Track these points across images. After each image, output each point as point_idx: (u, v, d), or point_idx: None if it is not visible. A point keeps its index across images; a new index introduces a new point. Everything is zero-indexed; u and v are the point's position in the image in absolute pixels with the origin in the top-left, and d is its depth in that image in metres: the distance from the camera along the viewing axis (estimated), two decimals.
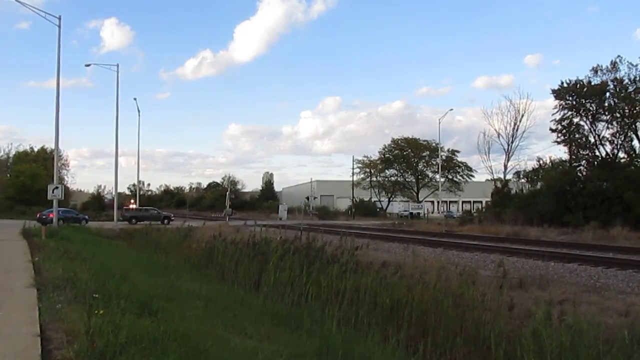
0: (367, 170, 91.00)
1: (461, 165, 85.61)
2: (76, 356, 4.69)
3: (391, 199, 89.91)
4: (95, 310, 6.03)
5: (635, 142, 45.84)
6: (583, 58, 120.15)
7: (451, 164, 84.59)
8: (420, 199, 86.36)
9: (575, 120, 48.15)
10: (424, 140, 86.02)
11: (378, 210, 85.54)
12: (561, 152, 67.66)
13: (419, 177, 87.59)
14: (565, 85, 47.53)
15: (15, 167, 74.72)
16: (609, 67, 45.87)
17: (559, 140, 49.16)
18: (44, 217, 40.23)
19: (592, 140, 47.73)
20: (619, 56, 45.90)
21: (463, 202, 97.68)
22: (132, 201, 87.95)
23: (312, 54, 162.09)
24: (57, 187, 29.02)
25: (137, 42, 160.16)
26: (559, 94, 48.04)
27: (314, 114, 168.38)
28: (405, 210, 79.42)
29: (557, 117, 48.60)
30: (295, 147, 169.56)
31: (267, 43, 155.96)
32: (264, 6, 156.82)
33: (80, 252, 15.04)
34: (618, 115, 45.75)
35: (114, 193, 48.02)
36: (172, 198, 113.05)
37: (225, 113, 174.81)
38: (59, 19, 29.90)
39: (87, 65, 56.82)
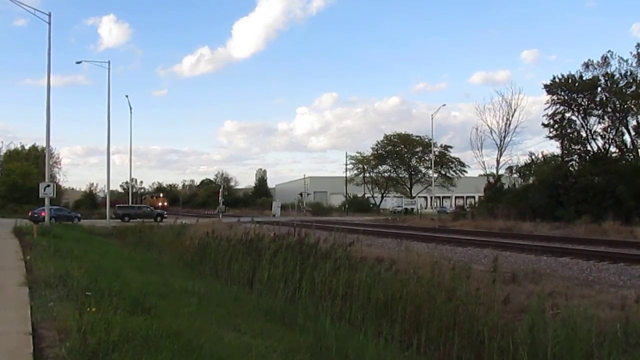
0: (361, 166, 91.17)
1: (454, 160, 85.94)
2: (68, 354, 4.65)
3: (384, 194, 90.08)
4: (88, 307, 5.99)
5: (626, 137, 46.30)
6: (579, 53, 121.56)
7: (444, 160, 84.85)
8: (414, 195, 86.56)
9: (567, 115, 48.48)
10: (417, 136, 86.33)
11: (371, 206, 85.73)
12: (553, 147, 68.02)
13: (412, 172, 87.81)
14: (557, 80, 47.76)
15: (6, 166, 74.16)
16: (600, 62, 46.19)
17: (551, 135, 49.49)
18: (35, 215, 40.00)
19: (584, 134, 48.05)
20: (609, 51, 46.23)
21: (456, 197, 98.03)
22: (161, 195, 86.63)
23: (310, 50, 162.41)
24: (48, 185, 28.85)
25: (134, 39, 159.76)
26: (551, 88, 48.27)
27: (311, 110, 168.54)
28: (399, 206, 79.57)
29: (549, 112, 48.93)
30: (291, 143, 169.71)
31: (265, 40, 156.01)
32: (263, 2, 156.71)
33: (72, 250, 14.94)
34: (609, 109, 46.04)
35: (106, 191, 47.73)
36: (165, 195, 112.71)
37: (221, 110, 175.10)
38: (49, 15, 29.69)
39: (78, 63, 56.89)
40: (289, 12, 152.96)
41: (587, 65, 46.74)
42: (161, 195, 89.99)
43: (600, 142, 47.57)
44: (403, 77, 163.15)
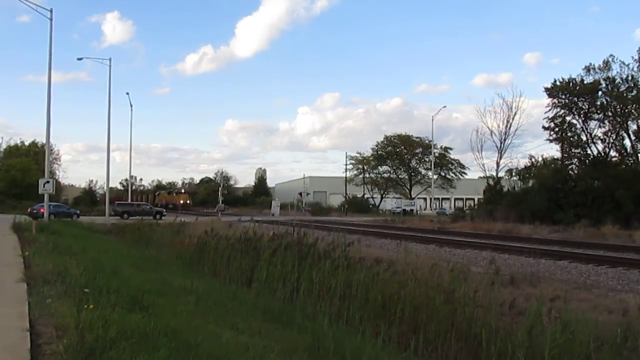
0: (360, 166, 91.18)
1: (454, 162, 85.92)
2: (66, 351, 4.65)
3: (384, 195, 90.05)
4: (86, 304, 5.99)
5: (626, 141, 46.32)
6: (582, 57, 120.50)
7: (444, 161, 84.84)
8: (413, 196, 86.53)
9: (568, 118, 48.51)
10: (417, 137, 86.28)
11: (371, 206, 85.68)
12: (554, 150, 68.04)
13: (412, 173, 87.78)
14: (558, 83, 47.77)
15: (5, 162, 74.09)
16: (602, 65, 46.19)
17: (551, 138, 49.53)
18: (34, 211, 39.97)
19: (584, 138, 48.08)
20: (611, 55, 46.33)
21: (455, 199, 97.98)
22: (182, 191, 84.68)
23: (313, 51, 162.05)
24: (48, 182, 28.84)
25: (138, 36, 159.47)
26: (551, 92, 48.28)
27: (312, 110, 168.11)
28: (398, 207, 79.49)
29: (550, 115, 48.95)
30: (292, 143, 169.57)
31: (268, 39, 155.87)
32: (267, 2, 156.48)
33: (71, 246, 14.93)
34: (610, 114, 46.07)
35: (105, 188, 47.73)
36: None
37: (222, 109, 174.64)
38: (51, 11, 29.74)
39: (80, 59, 56.13)
40: (292, 12, 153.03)
41: (588, 69, 46.79)
42: (183, 191, 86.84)
43: (600, 146, 47.68)
44: (405, 78, 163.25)
